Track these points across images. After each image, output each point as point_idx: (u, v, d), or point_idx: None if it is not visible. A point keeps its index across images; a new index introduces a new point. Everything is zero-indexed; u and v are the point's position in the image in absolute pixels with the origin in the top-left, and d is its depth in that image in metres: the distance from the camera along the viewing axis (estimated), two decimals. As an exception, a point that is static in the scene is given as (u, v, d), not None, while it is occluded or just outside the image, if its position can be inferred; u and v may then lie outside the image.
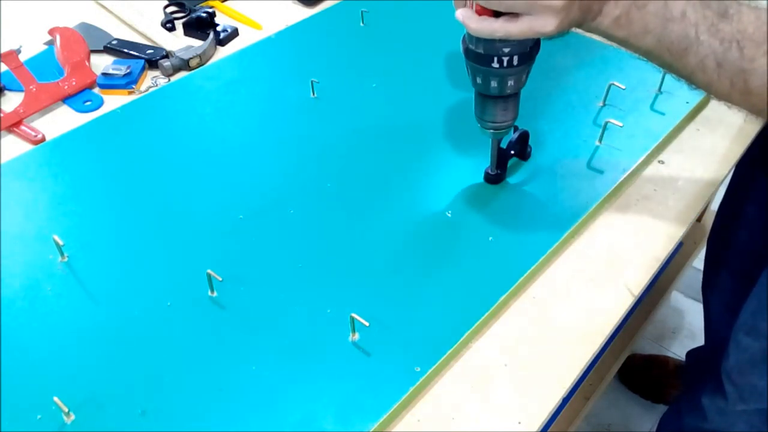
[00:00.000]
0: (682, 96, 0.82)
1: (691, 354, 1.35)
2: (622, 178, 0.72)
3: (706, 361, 1.21)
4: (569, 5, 0.54)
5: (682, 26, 0.54)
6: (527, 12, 0.54)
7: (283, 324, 0.58)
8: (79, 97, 0.85)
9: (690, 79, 0.57)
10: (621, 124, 0.74)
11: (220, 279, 0.58)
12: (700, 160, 0.76)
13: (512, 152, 0.71)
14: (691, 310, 1.62)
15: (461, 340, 0.57)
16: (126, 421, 0.52)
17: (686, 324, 1.60)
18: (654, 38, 0.55)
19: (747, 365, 0.84)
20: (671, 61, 0.56)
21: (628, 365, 1.47)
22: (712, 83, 0.55)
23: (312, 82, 0.82)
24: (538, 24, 0.54)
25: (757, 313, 0.81)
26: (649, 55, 0.57)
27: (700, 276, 1.21)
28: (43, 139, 0.78)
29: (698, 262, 1.61)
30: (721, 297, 1.14)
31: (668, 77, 0.82)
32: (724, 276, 1.11)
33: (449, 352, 0.56)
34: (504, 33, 0.55)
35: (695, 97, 0.81)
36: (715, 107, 0.83)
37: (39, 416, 0.52)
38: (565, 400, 0.60)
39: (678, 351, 1.55)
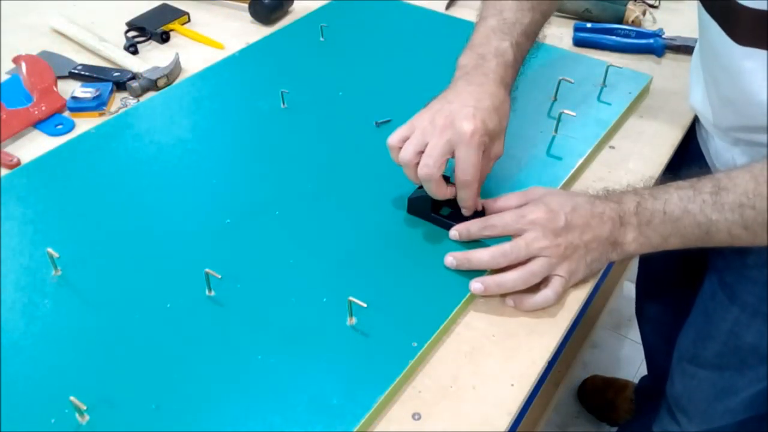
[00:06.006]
0: (624, 88, 0.89)
1: (643, 379, 1.38)
2: (579, 163, 0.78)
3: (651, 389, 1.26)
4: (575, 260, 0.62)
5: (690, 219, 0.60)
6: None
7: (283, 316, 0.61)
8: (50, 121, 0.86)
9: (739, 245, 0.61)
10: (574, 114, 0.80)
11: (219, 276, 0.61)
12: (646, 143, 0.83)
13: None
14: (643, 298, 1.70)
15: (452, 315, 0.61)
16: (141, 416, 0.53)
17: (640, 311, 1.68)
18: (676, 239, 0.62)
19: (696, 392, 0.88)
20: (707, 244, 0.61)
21: (587, 385, 1.49)
22: (757, 241, 0.60)
23: (282, 93, 0.85)
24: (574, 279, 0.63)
25: (698, 341, 0.85)
26: (688, 247, 0.62)
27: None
28: (18, 163, 0.79)
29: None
30: (655, 327, 1.19)
31: (611, 71, 0.89)
32: (655, 308, 1.17)
33: (442, 326, 0.60)
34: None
35: (636, 87, 0.89)
36: (656, 96, 0.91)
37: (53, 420, 0.53)
38: (548, 368, 0.65)
39: (635, 337, 1.63)
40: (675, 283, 1.05)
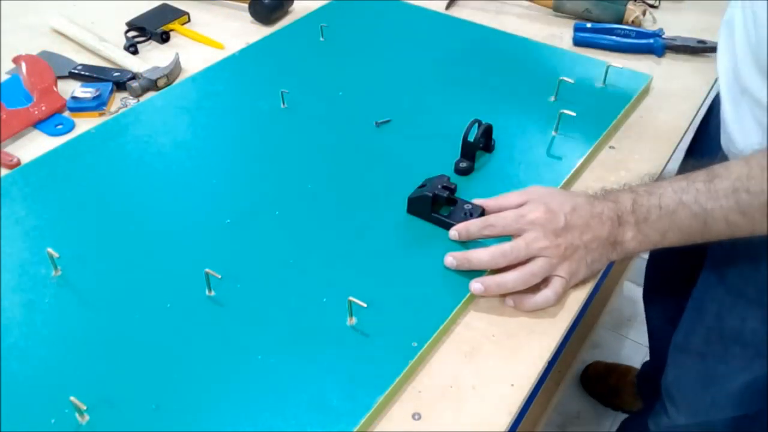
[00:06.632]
0: (624, 87, 0.89)
1: (645, 365, 1.39)
2: (579, 163, 0.78)
3: (652, 380, 1.26)
4: (575, 259, 0.62)
5: (686, 211, 0.60)
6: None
7: (283, 316, 0.61)
8: (50, 121, 0.86)
9: (739, 235, 0.60)
10: (574, 114, 0.80)
11: (219, 276, 0.61)
12: (646, 143, 0.83)
13: (479, 145, 0.76)
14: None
15: (452, 315, 0.61)
16: (141, 416, 0.53)
17: (640, 311, 1.67)
18: (674, 233, 0.61)
19: (684, 381, 0.88)
20: (706, 237, 0.61)
21: (589, 372, 1.51)
22: (756, 228, 0.59)
23: (282, 93, 0.85)
24: (575, 280, 0.64)
25: (689, 328, 0.86)
26: (688, 243, 0.62)
27: (649, 266, 1.27)
28: (18, 163, 0.79)
29: (647, 253, 1.71)
30: (663, 312, 1.18)
31: (611, 71, 0.89)
32: (664, 290, 1.16)
33: (442, 326, 0.60)
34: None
35: (636, 87, 0.89)
36: (656, 96, 0.91)
37: (53, 420, 0.53)
38: (548, 368, 0.65)
39: (635, 337, 1.63)
40: (683, 271, 1.05)
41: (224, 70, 0.94)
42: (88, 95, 0.88)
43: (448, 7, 1.09)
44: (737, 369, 0.81)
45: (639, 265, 1.68)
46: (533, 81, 0.91)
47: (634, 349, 1.61)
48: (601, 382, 1.49)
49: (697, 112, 0.88)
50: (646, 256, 1.68)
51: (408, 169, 0.75)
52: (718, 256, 0.80)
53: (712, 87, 0.94)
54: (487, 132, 0.77)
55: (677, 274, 1.09)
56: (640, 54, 0.98)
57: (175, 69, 0.94)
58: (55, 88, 0.90)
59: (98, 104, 0.87)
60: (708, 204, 0.59)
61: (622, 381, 1.47)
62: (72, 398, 0.51)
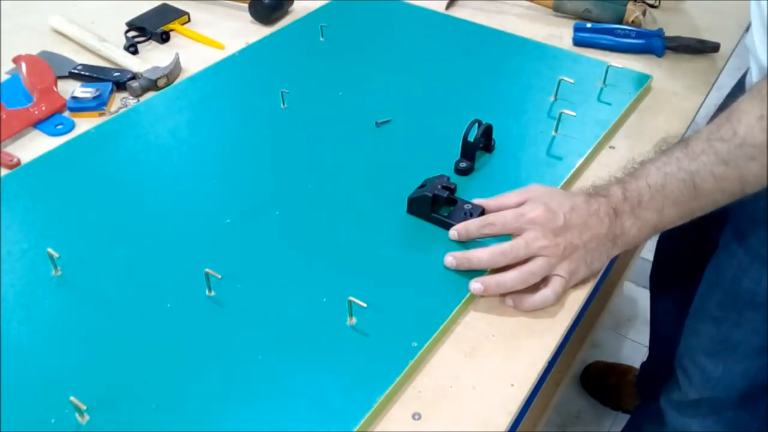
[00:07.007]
0: (624, 88, 0.89)
1: (644, 364, 1.39)
2: (579, 163, 0.78)
3: (657, 368, 1.26)
4: (577, 258, 0.63)
5: (673, 181, 0.61)
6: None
7: (283, 316, 0.61)
8: (50, 121, 0.86)
9: (734, 193, 0.61)
10: (574, 114, 0.80)
11: (219, 276, 0.61)
12: (646, 143, 0.83)
13: (479, 145, 0.76)
14: (643, 299, 1.70)
15: (452, 315, 0.61)
16: (141, 416, 0.53)
17: (641, 311, 1.68)
18: (671, 209, 0.62)
19: (696, 349, 0.87)
20: (701, 203, 0.62)
21: (589, 371, 1.52)
22: (744, 175, 0.59)
23: (282, 93, 0.85)
24: (574, 279, 0.64)
25: (706, 297, 0.85)
26: (686, 217, 0.63)
27: (649, 266, 1.26)
28: (18, 163, 0.79)
29: (646, 252, 1.71)
30: (670, 303, 1.18)
31: (611, 71, 0.89)
32: (673, 281, 1.16)
33: (442, 326, 0.60)
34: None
35: (636, 87, 0.89)
36: (656, 96, 0.91)
37: (53, 420, 0.53)
38: (548, 368, 0.65)
39: (635, 337, 1.63)
40: (693, 260, 1.05)
41: (224, 70, 0.94)
42: (88, 95, 0.88)
43: (448, 7, 1.09)
44: (749, 333, 0.80)
45: (639, 265, 1.68)
46: (533, 81, 0.91)
47: (634, 349, 1.61)
48: (601, 382, 1.50)
49: (697, 112, 0.89)
50: (645, 256, 1.69)
51: (408, 169, 0.75)
52: (739, 221, 0.79)
53: (712, 87, 0.94)
54: (487, 132, 0.77)
55: (686, 264, 1.09)
56: (640, 54, 0.98)
57: (175, 69, 0.94)
58: (55, 88, 0.90)
59: (98, 104, 0.87)
60: (691, 166, 0.60)
61: (622, 381, 1.47)
62: (72, 398, 0.51)
